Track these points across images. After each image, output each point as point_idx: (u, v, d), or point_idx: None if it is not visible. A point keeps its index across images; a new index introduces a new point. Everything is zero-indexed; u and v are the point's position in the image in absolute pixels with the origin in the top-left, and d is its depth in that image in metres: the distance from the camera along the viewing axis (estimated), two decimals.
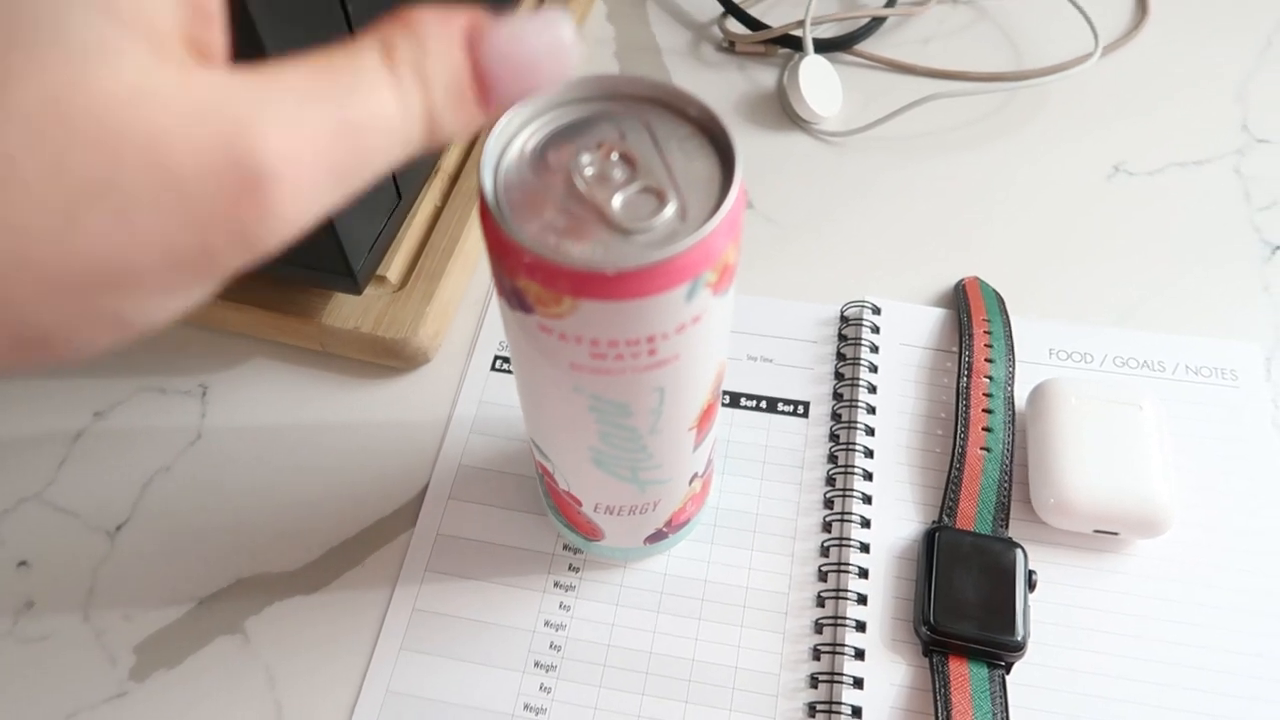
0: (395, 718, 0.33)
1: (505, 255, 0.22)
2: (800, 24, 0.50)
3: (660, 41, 0.53)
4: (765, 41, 0.51)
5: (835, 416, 0.39)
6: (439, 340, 0.41)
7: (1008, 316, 0.40)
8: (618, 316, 0.22)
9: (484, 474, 0.38)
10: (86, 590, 0.36)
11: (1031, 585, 0.33)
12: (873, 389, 0.39)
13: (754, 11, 0.52)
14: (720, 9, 0.52)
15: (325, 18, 0.31)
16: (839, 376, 0.40)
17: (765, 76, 0.51)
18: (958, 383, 0.38)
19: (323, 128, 0.16)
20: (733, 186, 0.22)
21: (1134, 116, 0.48)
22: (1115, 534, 0.34)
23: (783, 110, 0.49)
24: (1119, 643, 0.33)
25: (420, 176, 0.41)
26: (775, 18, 0.52)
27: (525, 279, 0.22)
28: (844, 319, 0.41)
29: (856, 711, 0.32)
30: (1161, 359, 0.40)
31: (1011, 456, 0.36)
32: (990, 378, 0.38)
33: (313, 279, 0.37)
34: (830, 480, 0.37)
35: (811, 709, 0.32)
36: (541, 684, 0.33)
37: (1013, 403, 0.37)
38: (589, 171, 0.23)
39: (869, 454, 0.37)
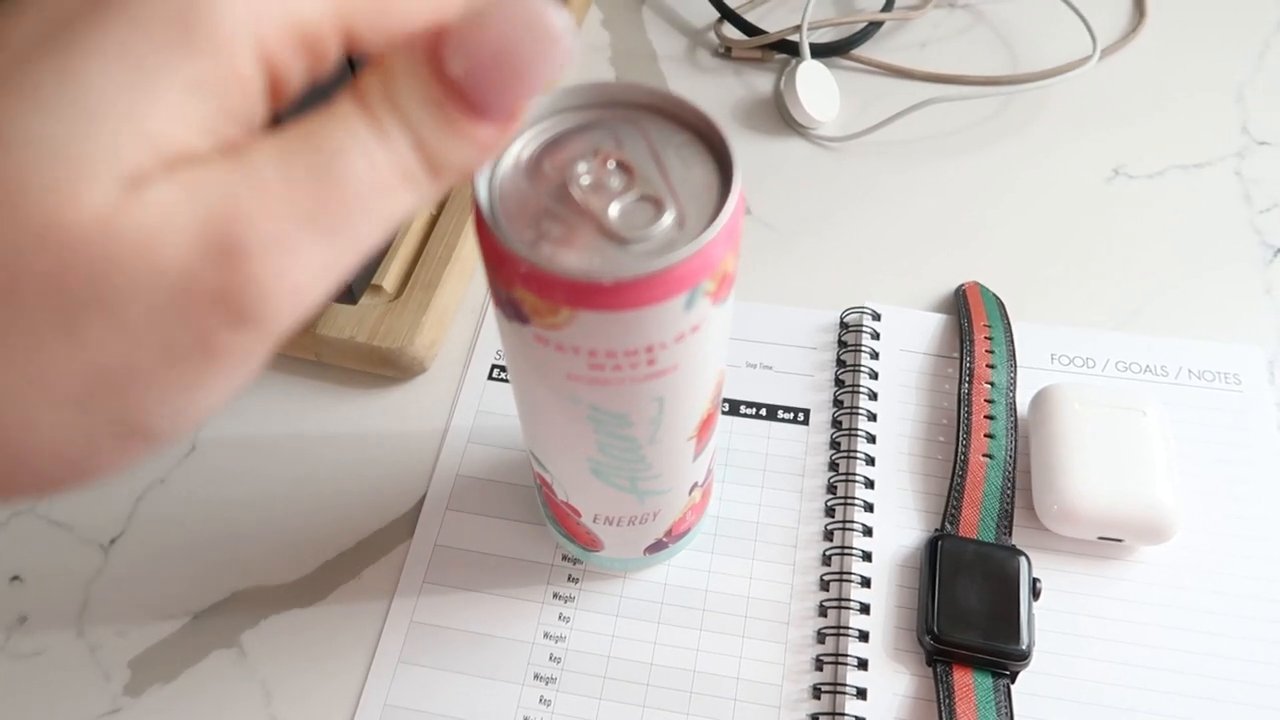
0: None
1: (500, 265, 0.22)
2: (797, 29, 0.50)
3: (656, 48, 0.53)
4: (762, 47, 0.51)
5: (836, 424, 0.38)
6: (435, 349, 0.40)
7: (1009, 321, 0.40)
8: (615, 327, 0.22)
9: (482, 484, 0.37)
10: (80, 605, 0.35)
11: (1036, 593, 0.33)
12: (873, 396, 0.39)
13: (750, 17, 0.52)
14: (716, 14, 0.52)
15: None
16: (839, 383, 0.39)
17: (762, 82, 0.51)
18: (959, 389, 0.38)
19: (301, 189, 0.15)
20: (731, 194, 0.22)
21: (1133, 119, 0.48)
22: (1120, 540, 0.34)
23: (780, 116, 0.49)
24: (1125, 651, 0.33)
25: None
26: (772, 23, 0.52)
27: (521, 289, 0.22)
28: (844, 325, 0.41)
29: None
30: (1164, 363, 0.39)
31: (1014, 463, 0.36)
32: (992, 383, 0.38)
33: None
34: (831, 488, 0.37)
35: None
36: (541, 696, 0.33)
37: (1015, 409, 0.37)
38: (585, 180, 0.22)
39: (870, 461, 0.37)
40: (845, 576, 0.34)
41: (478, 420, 0.39)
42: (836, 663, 0.33)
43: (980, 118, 0.49)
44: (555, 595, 0.35)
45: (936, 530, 0.35)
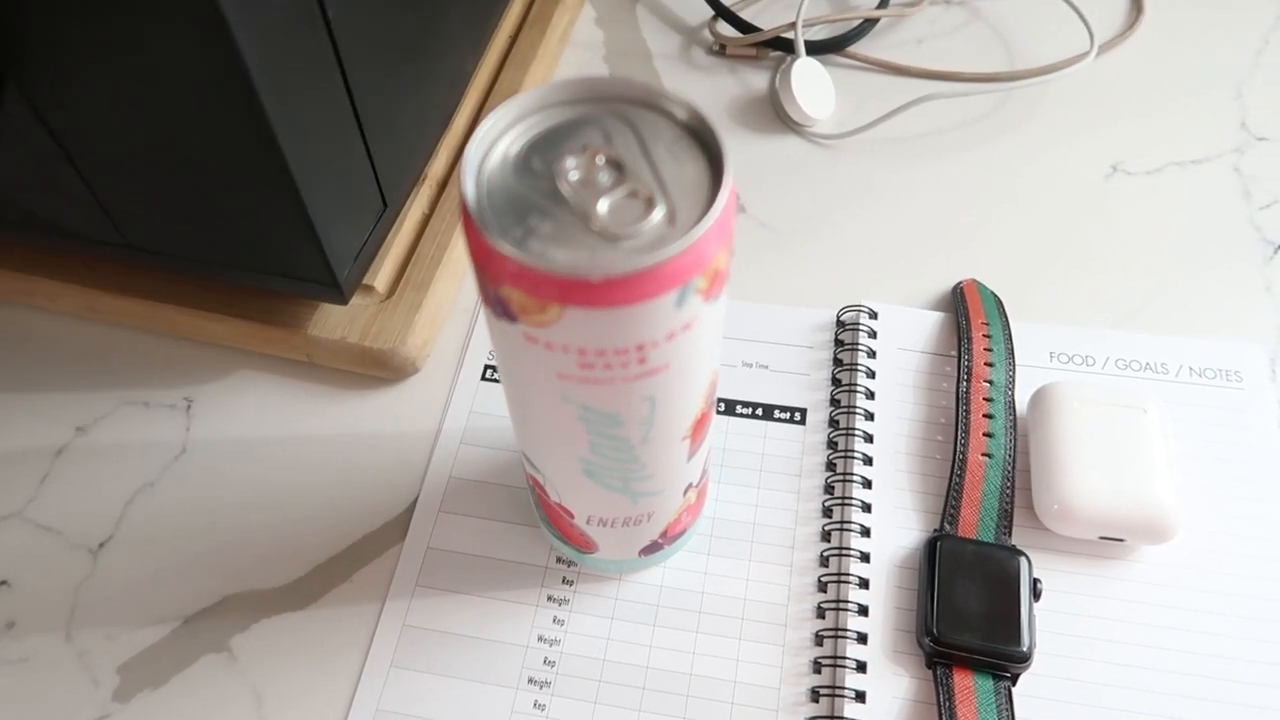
0: None
1: (488, 263, 0.21)
2: (792, 26, 0.49)
3: (650, 46, 0.52)
4: (756, 44, 0.50)
5: (833, 423, 0.38)
6: (428, 350, 0.40)
7: (1007, 319, 0.39)
8: (605, 324, 0.21)
9: (475, 486, 0.37)
10: (68, 610, 0.35)
11: (1036, 594, 0.32)
12: (871, 395, 0.38)
13: (745, 14, 0.52)
14: (711, 12, 0.52)
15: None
16: (836, 383, 0.39)
17: (757, 80, 0.50)
18: (957, 388, 0.37)
19: None
20: (722, 190, 0.21)
21: (1131, 116, 0.48)
22: (1121, 540, 0.34)
23: (775, 113, 0.49)
24: (1127, 651, 0.33)
25: (406, 184, 0.40)
26: (766, 20, 0.52)
27: (509, 287, 0.21)
28: (840, 324, 0.40)
29: None
30: (1164, 361, 0.39)
31: (1013, 462, 0.35)
32: (990, 382, 0.37)
33: (297, 289, 0.36)
34: (829, 488, 0.36)
35: None
36: (535, 701, 0.33)
37: (1014, 407, 0.37)
38: (574, 176, 0.22)
39: (868, 461, 0.37)
40: (843, 578, 0.34)
41: (470, 421, 0.39)
42: (835, 665, 0.32)
43: (977, 114, 0.48)
44: (549, 598, 0.34)
45: (935, 531, 0.34)
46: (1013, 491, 0.35)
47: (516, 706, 0.32)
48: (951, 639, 0.31)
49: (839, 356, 0.39)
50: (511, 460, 0.38)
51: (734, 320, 0.41)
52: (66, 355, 0.41)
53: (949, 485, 0.35)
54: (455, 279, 0.42)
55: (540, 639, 0.34)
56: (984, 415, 0.36)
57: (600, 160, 0.22)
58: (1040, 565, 0.34)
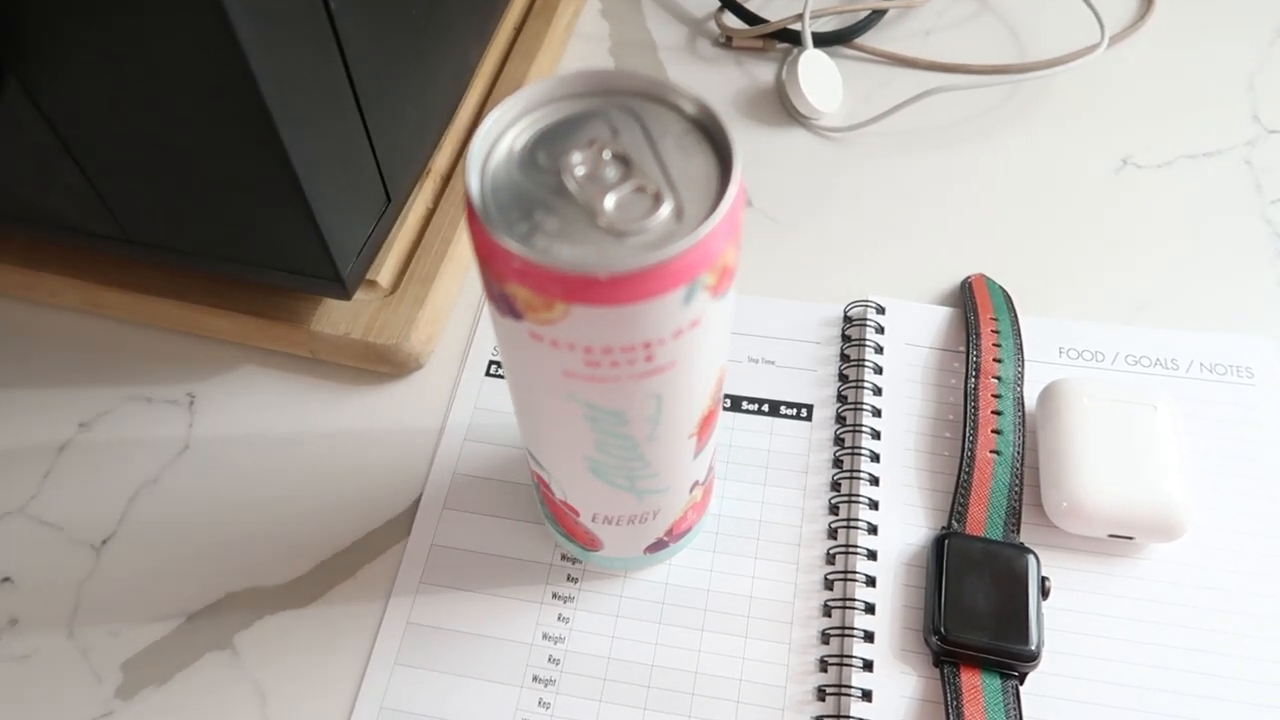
0: None
1: (493, 259, 0.21)
2: (799, 18, 0.49)
3: (656, 38, 0.52)
4: (763, 36, 0.50)
5: (840, 419, 0.38)
6: (432, 345, 0.40)
7: (1016, 314, 0.39)
8: (611, 322, 0.21)
9: (479, 482, 0.37)
10: (72, 606, 0.35)
11: (1045, 592, 0.32)
12: (878, 391, 0.38)
13: (751, 6, 0.51)
14: (717, 3, 0.51)
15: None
16: (843, 378, 0.39)
17: (764, 72, 0.50)
18: (965, 383, 0.37)
19: None
20: (731, 185, 0.21)
21: (1142, 108, 0.47)
22: (1130, 538, 0.33)
23: (782, 106, 0.48)
24: (1136, 650, 0.32)
25: (410, 178, 0.40)
26: (773, 12, 0.51)
27: (514, 284, 0.21)
28: (847, 319, 0.40)
29: None
30: (1175, 356, 0.38)
31: (1022, 459, 0.35)
32: (999, 378, 0.37)
33: (300, 284, 0.36)
34: (835, 485, 0.36)
35: None
36: (540, 699, 0.32)
37: (1022, 403, 0.36)
38: (580, 171, 0.22)
39: (875, 458, 0.36)
40: (850, 575, 0.34)
41: (475, 417, 0.38)
42: (841, 664, 0.32)
43: (986, 107, 0.48)
44: (554, 595, 0.34)
45: (943, 528, 0.34)
46: (1021, 489, 0.34)
47: (521, 704, 0.32)
48: (959, 637, 0.31)
49: (846, 352, 0.39)
50: (516, 456, 0.37)
51: (740, 315, 0.41)
52: (69, 351, 0.41)
53: (957, 482, 0.35)
54: (459, 273, 0.41)
55: (545, 636, 0.33)
56: (992, 412, 0.36)
57: (607, 155, 0.22)
58: (1049, 563, 0.34)
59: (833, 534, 0.35)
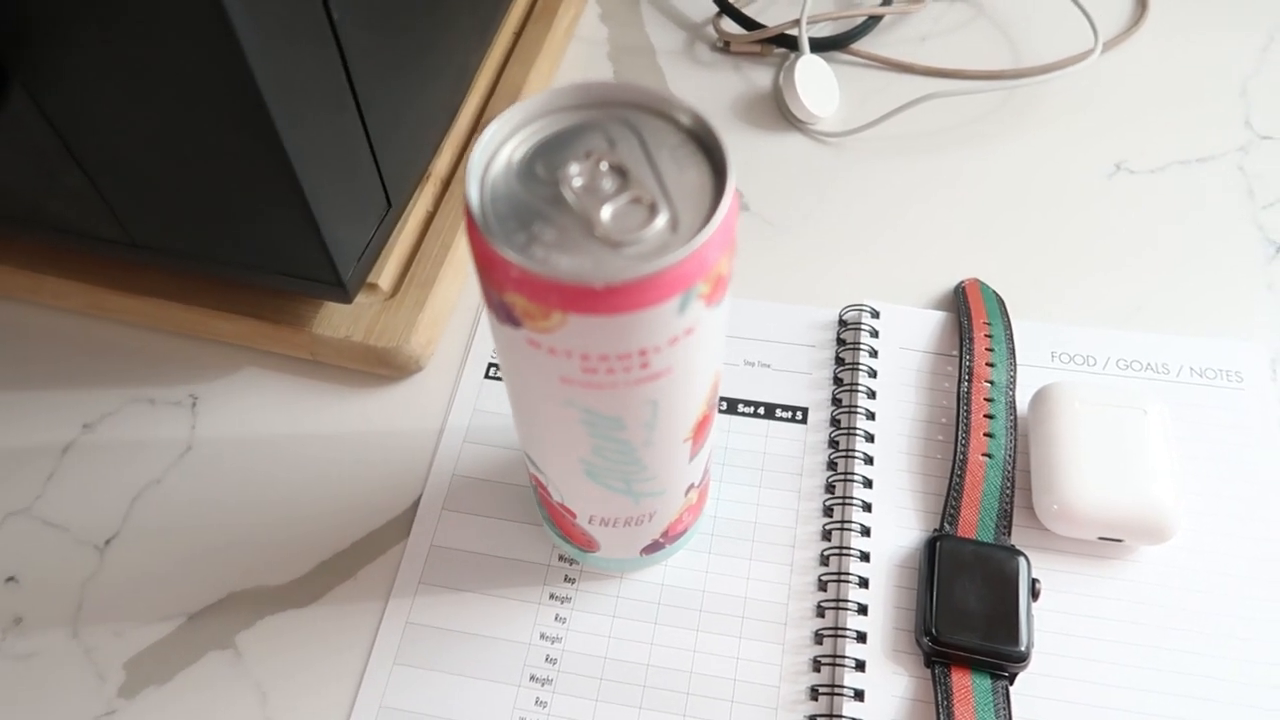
0: None
1: (492, 269, 0.21)
2: (796, 23, 0.49)
3: (654, 42, 0.52)
4: (760, 41, 0.50)
5: (834, 422, 0.38)
6: (432, 348, 0.40)
7: (1009, 319, 0.39)
8: (608, 330, 0.21)
9: (478, 484, 0.37)
10: (75, 606, 0.35)
11: (1035, 594, 0.33)
12: (872, 394, 0.38)
13: (749, 11, 0.52)
14: (715, 9, 0.52)
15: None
16: (838, 381, 0.39)
17: (761, 76, 0.50)
18: (958, 387, 0.37)
19: None
20: (725, 196, 0.21)
21: (1135, 114, 0.48)
22: (1120, 541, 0.34)
23: (779, 110, 0.49)
24: (1125, 652, 0.33)
25: (411, 182, 0.40)
26: (770, 17, 0.51)
27: (513, 293, 0.21)
28: (842, 323, 0.41)
29: None
30: (1165, 361, 0.39)
31: (1014, 462, 0.35)
32: (991, 382, 0.37)
33: (302, 288, 0.37)
34: (829, 487, 0.36)
35: None
36: (537, 698, 0.33)
37: (1015, 407, 0.37)
38: (577, 182, 0.22)
39: (869, 460, 0.37)
40: (843, 577, 0.34)
41: (474, 419, 0.39)
42: (834, 664, 0.33)
43: (981, 112, 0.48)
44: (551, 596, 0.35)
45: (935, 530, 0.34)
46: (1013, 492, 0.35)
47: (519, 703, 0.33)
48: (950, 638, 0.32)
49: (841, 355, 0.40)
50: (514, 458, 0.38)
51: (736, 318, 0.41)
52: (72, 353, 0.41)
53: (949, 485, 0.35)
54: (459, 277, 0.42)
55: (542, 636, 0.34)
56: (985, 415, 0.36)
57: (604, 166, 0.22)
58: (1039, 565, 0.34)
59: (827, 536, 0.35)
